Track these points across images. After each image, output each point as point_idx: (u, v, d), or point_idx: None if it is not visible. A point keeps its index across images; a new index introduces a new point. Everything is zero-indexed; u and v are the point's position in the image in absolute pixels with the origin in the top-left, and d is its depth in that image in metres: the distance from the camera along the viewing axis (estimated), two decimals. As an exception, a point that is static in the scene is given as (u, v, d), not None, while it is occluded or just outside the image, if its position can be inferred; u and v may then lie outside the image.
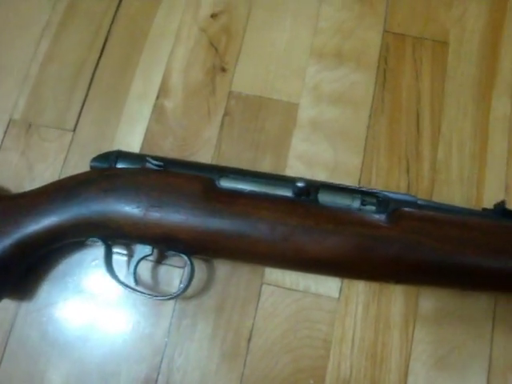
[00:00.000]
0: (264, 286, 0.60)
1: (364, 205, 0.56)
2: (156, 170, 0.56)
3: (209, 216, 0.53)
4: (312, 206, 0.55)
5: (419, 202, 0.56)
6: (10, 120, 0.66)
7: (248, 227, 0.53)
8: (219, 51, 0.68)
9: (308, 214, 0.54)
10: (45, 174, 0.64)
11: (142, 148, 0.65)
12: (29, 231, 0.54)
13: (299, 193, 0.54)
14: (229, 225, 0.53)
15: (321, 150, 0.64)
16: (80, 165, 0.63)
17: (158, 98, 0.67)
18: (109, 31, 0.69)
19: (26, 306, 0.60)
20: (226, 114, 0.66)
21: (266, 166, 0.63)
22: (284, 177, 0.59)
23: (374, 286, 0.60)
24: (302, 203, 0.54)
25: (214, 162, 0.64)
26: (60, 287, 0.61)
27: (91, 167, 0.59)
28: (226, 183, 0.56)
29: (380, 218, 0.54)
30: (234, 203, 0.54)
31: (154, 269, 0.61)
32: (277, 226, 0.53)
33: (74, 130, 0.66)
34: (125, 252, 0.61)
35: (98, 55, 0.68)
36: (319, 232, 0.53)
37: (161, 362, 0.58)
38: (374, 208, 0.55)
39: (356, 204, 0.55)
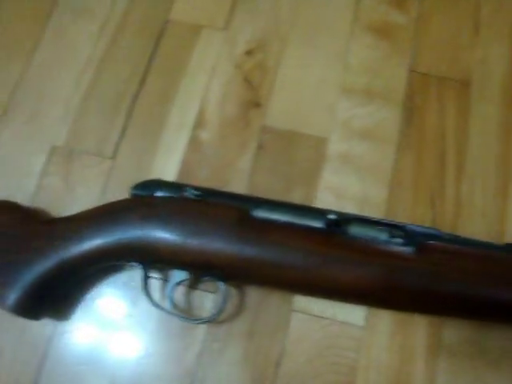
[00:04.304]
0: (293, 313, 0.62)
1: (392, 237, 0.58)
2: (194, 199, 0.59)
3: (243, 244, 0.56)
4: (343, 237, 0.57)
5: (444, 235, 0.59)
6: (53, 147, 0.70)
7: (281, 256, 0.55)
8: (253, 86, 0.72)
9: (339, 244, 0.56)
10: (85, 198, 0.67)
11: (177, 177, 0.68)
12: (73, 253, 0.57)
13: (330, 224, 0.57)
14: (263, 253, 0.55)
15: (350, 183, 0.67)
16: (119, 191, 0.66)
17: (194, 129, 0.70)
18: (149, 64, 0.73)
19: (62, 326, 0.63)
20: (259, 146, 0.69)
21: (296, 197, 0.66)
22: (315, 208, 0.62)
23: (399, 316, 0.62)
24: (334, 234, 0.57)
25: (247, 192, 0.66)
26: (95, 308, 0.63)
27: (132, 195, 0.61)
28: (259, 213, 0.58)
29: (408, 250, 0.56)
30: (268, 232, 0.56)
31: (187, 293, 0.63)
32: (310, 255, 0.55)
33: (113, 158, 0.69)
34: (159, 276, 0.64)
35: (137, 87, 0.72)
36: (350, 262, 0.55)
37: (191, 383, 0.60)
38: (401, 241, 0.57)
39: (384, 236, 0.58)
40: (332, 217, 0.56)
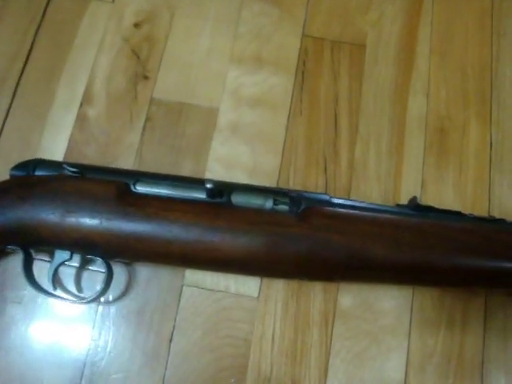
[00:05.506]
0: (184, 288, 0.61)
1: (276, 204, 0.57)
2: (72, 177, 0.57)
3: (122, 220, 0.54)
4: (224, 207, 0.56)
5: (333, 200, 0.58)
6: None
7: (161, 229, 0.54)
8: (141, 59, 0.69)
9: (219, 214, 0.55)
10: (-31, 184, 0.64)
11: (65, 156, 0.65)
12: None
13: (211, 194, 0.55)
14: (142, 227, 0.54)
15: (240, 153, 0.66)
16: (4, 174, 0.63)
17: (81, 105, 0.67)
18: (34, 40, 0.70)
19: (-51, 317, 0.60)
20: (147, 119, 0.67)
21: (186, 169, 0.65)
22: (199, 180, 0.60)
23: (293, 284, 0.61)
24: (214, 205, 0.56)
25: (136, 168, 0.64)
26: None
27: (11, 176, 0.59)
28: (141, 187, 0.57)
29: (291, 216, 0.55)
30: (146, 206, 0.55)
31: (77, 274, 0.61)
32: (189, 227, 0.54)
33: (-2, 140, 0.66)
34: (47, 259, 0.61)
35: (22, 64, 0.69)
36: (230, 232, 0.54)
37: (84, 366, 0.59)
38: (286, 207, 0.57)
39: (269, 204, 0.57)
40: (209, 186, 0.54)
